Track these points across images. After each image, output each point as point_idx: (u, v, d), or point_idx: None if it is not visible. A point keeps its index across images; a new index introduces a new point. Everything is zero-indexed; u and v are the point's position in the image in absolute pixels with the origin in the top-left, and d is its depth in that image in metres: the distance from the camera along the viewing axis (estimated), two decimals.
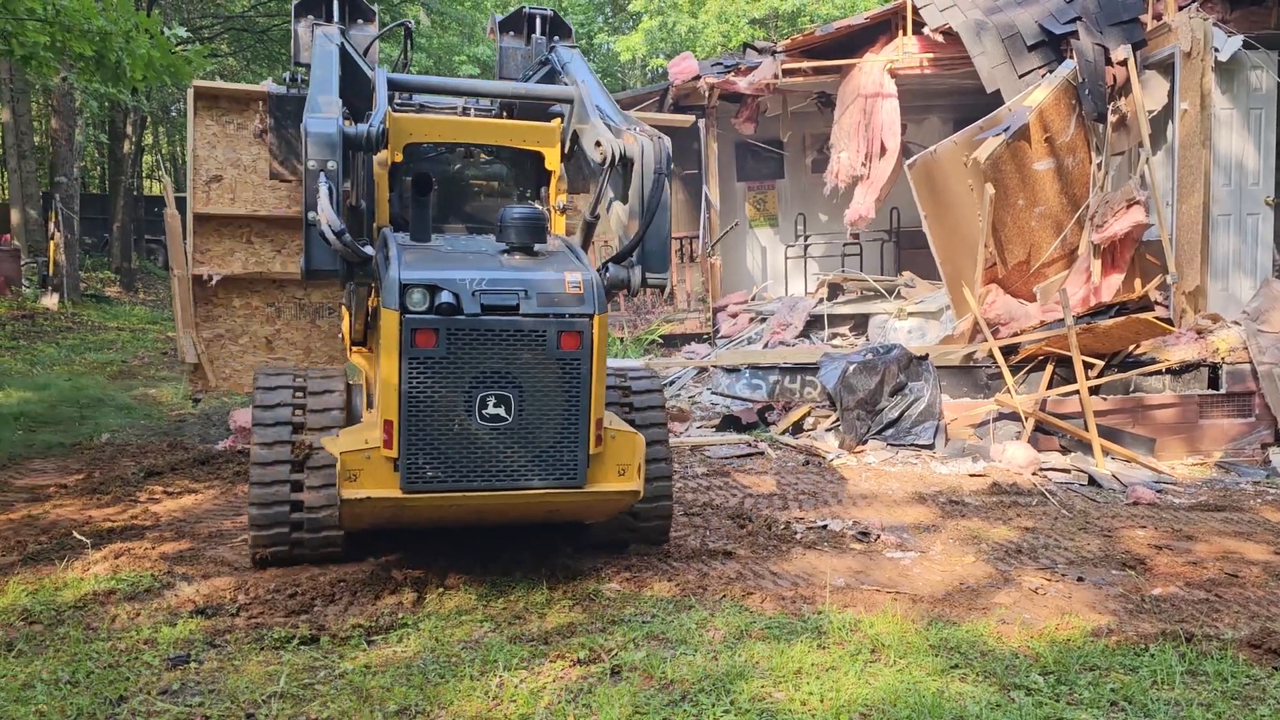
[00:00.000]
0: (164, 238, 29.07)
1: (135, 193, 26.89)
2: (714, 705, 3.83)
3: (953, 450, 8.82)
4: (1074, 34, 9.63)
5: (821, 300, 11.87)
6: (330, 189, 4.77)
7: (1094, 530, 6.81)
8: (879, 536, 6.47)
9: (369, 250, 4.92)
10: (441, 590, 4.93)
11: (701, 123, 12.47)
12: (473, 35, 29.52)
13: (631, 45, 33.82)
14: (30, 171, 21.94)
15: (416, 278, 4.71)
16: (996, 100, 13.75)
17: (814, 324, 12.16)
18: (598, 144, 5.38)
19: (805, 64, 11.90)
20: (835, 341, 11.64)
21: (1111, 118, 9.86)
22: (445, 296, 4.65)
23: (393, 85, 5.67)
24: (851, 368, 8.95)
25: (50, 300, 18.19)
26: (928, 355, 9.26)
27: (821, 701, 3.89)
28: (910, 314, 11.38)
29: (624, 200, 5.45)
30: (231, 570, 5.38)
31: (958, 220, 9.81)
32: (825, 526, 6.65)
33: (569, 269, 5.00)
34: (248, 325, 9.07)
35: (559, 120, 6.03)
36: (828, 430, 9.38)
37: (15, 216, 21.42)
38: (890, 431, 9.06)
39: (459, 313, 4.66)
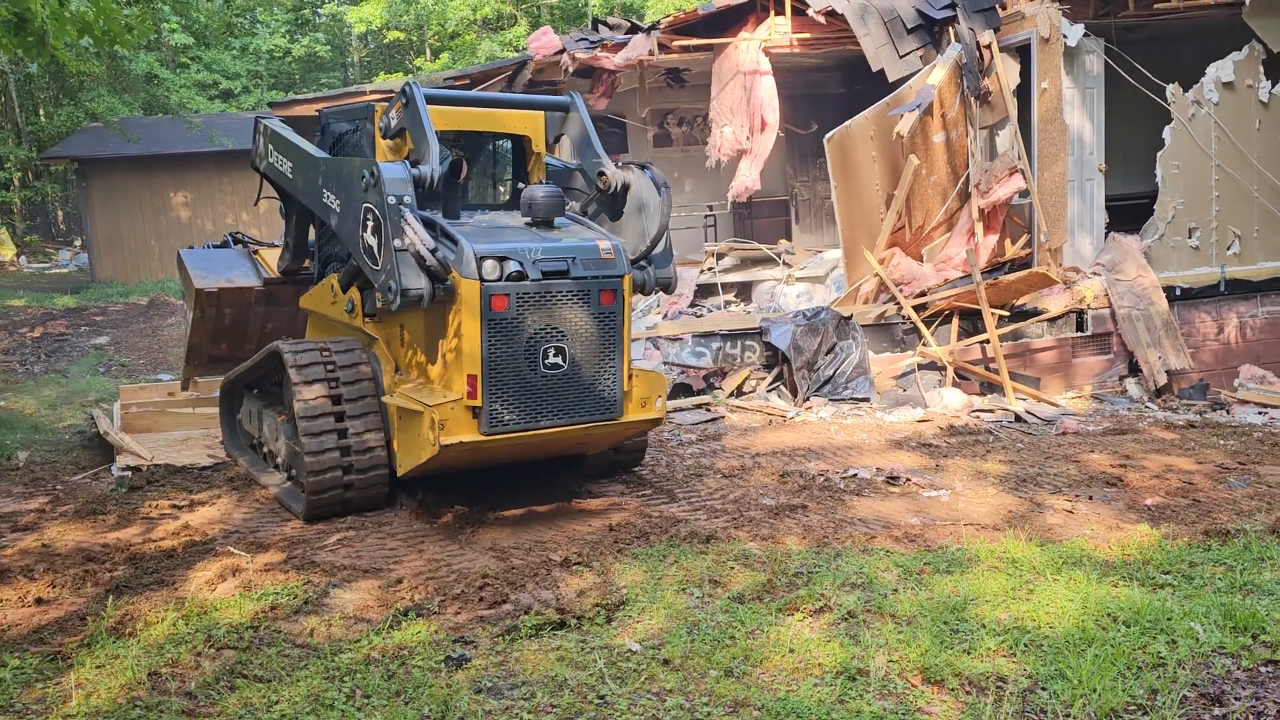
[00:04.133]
0: None
1: None
2: (975, 630, 4.27)
3: (889, 400, 9.68)
4: (953, 19, 10.68)
5: (711, 269, 12.42)
6: (418, 217, 5.46)
7: (1059, 458, 7.83)
8: (907, 480, 7.13)
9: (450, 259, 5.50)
10: (615, 564, 5.01)
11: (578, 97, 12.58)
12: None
13: (366, 16, 32.74)
14: None
15: (488, 250, 5.44)
16: (840, 81, 14.85)
17: (701, 292, 12.69)
18: (601, 174, 6.43)
19: (682, 41, 12.31)
20: (731, 309, 12.24)
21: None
22: (513, 265, 5.45)
23: (431, 100, 6.08)
24: (799, 330, 9.58)
25: None
26: (851, 315, 10.05)
27: (1048, 613, 4.43)
28: (798, 279, 12.17)
29: (612, 218, 6.55)
30: (362, 574, 5.15)
31: (860, 190, 10.66)
32: (855, 475, 7.22)
33: (599, 238, 5.91)
34: None
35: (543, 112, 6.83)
36: (769, 391, 9.97)
37: None
38: (827, 387, 9.79)
39: (525, 279, 5.47)
